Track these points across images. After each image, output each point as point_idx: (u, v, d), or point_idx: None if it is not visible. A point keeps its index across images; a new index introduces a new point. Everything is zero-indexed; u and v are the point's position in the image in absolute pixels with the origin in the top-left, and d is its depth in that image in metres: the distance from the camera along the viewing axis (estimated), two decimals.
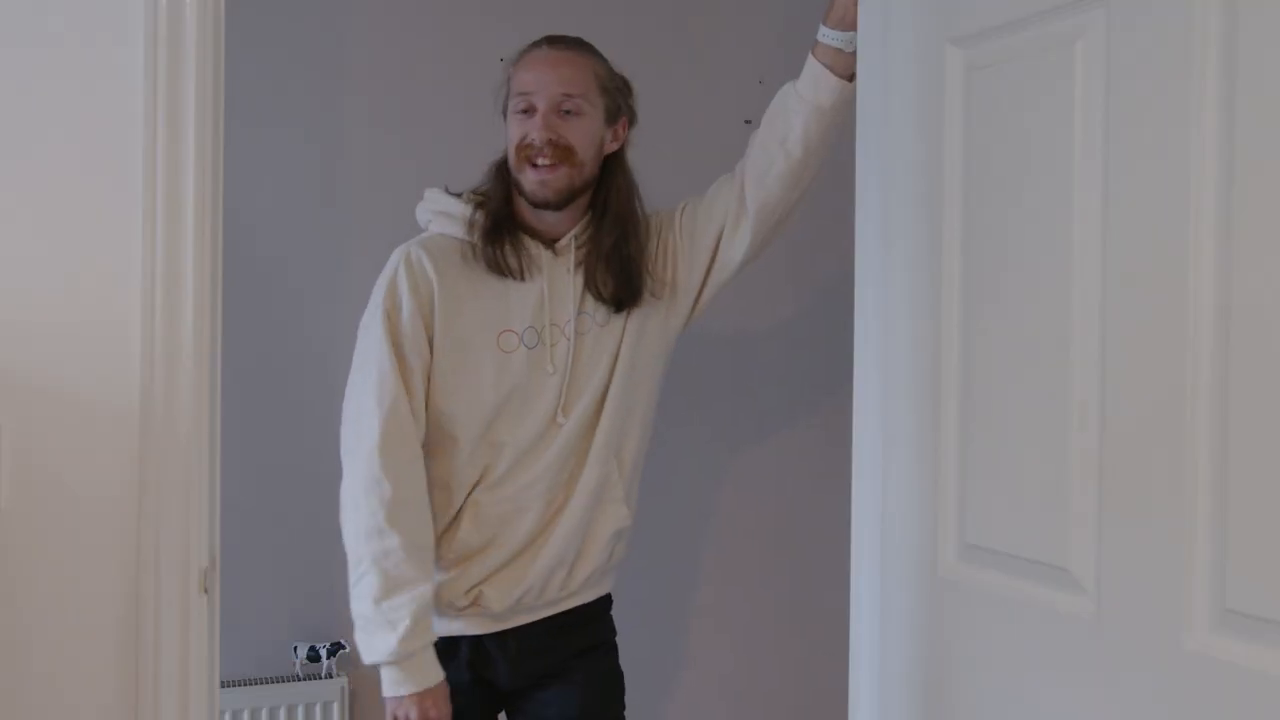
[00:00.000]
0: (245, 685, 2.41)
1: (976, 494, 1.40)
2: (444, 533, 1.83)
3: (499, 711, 1.97)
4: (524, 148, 1.78)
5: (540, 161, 1.77)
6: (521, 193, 1.81)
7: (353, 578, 1.77)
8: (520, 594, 1.83)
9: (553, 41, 1.84)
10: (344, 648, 2.46)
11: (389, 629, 1.72)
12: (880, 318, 1.57)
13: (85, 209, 1.38)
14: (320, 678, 2.44)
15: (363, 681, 2.50)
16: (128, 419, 1.39)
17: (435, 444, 1.82)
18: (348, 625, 2.47)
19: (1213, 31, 1.10)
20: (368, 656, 1.76)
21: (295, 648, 2.45)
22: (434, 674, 1.75)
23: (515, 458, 1.82)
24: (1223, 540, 1.09)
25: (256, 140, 2.40)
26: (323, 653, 2.44)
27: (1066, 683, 1.26)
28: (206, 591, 1.44)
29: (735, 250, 1.89)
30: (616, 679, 1.98)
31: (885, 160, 1.56)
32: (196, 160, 1.41)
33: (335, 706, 2.44)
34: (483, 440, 1.81)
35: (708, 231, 1.89)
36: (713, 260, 1.90)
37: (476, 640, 1.85)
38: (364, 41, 2.50)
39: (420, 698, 1.73)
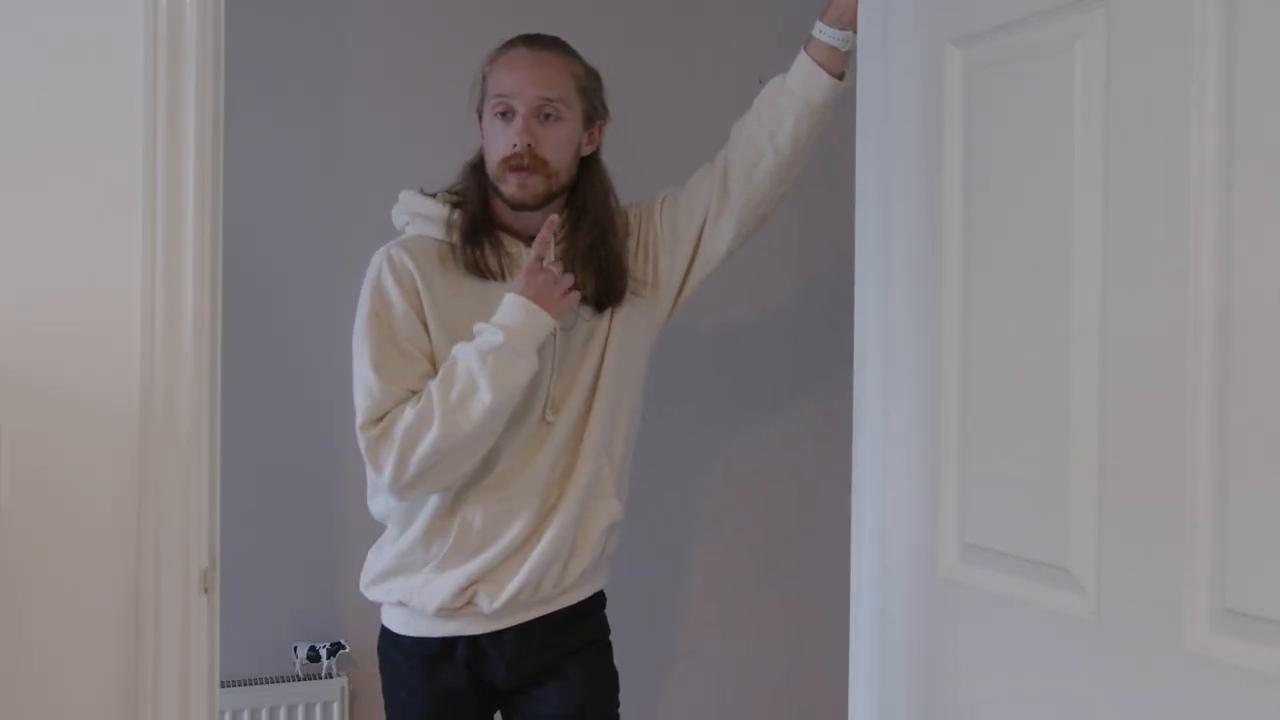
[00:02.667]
0: (245, 685, 2.41)
1: (976, 494, 1.40)
2: (437, 534, 1.82)
3: (494, 711, 1.97)
4: (508, 159, 1.77)
5: (518, 165, 1.77)
6: (499, 195, 1.81)
7: (450, 424, 1.72)
8: (514, 591, 1.83)
9: (530, 42, 1.82)
10: (344, 648, 2.46)
11: (491, 348, 1.71)
12: (880, 317, 1.57)
13: (85, 209, 1.38)
14: (320, 678, 2.45)
15: (363, 681, 2.51)
16: (128, 419, 1.39)
17: None
18: (348, 625, 2.50)
19: (1213, 31, 1.10)
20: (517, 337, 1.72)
21: (295, 648, 2.45)
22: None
23: (509, 459, 1.81)
24: (1223, 540, 1.09)
25: (256, 140, 2.40)
26: (323, 653, 2.44)
27: (1066, 683, 1.26)
28: (206, 591, 1.44)
29: (718, 243, 1.88)
30: (611, 677, 1.99)
31: (885, 160, 1.56)
32: (196, 160, 1.41)
33: (335, 706, 2.44)
34: None
35: (690, 225, 1.89)
36: (694, 253, 1.90)
37: (472, 640, 1.86)
38: (364, 41, 2.50)
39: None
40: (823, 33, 1.75)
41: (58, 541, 1.38)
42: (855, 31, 1.69)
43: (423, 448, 1.71)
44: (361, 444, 1.77)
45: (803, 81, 1.77)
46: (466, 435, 1.71)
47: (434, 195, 1.86)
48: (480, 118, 1.85)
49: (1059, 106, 1.27)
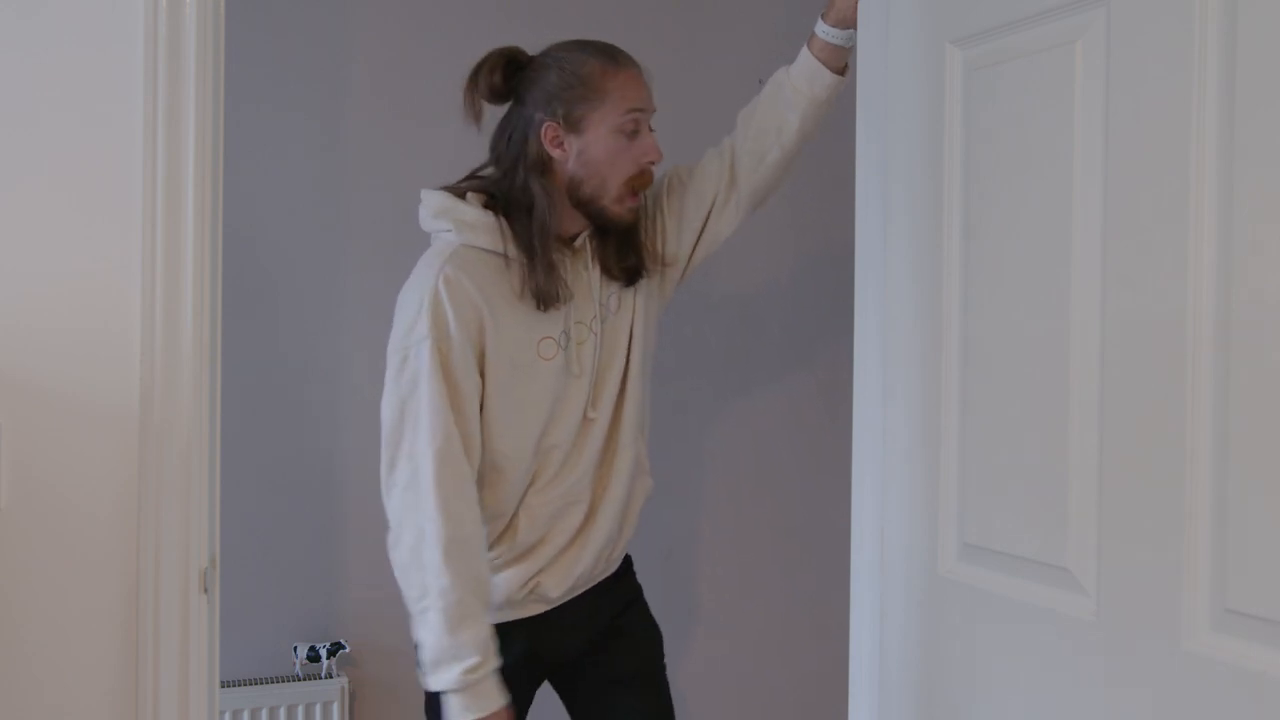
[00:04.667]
0: (245, 685, 2.41)
1: (976, 494, 1.40)
2: (500, 536, 1.84)
3: (540, 685, 1.99)
4: (636, 177, 1.76)
5: (645, 184, 1.78)
6: (599, 213, 1.77)
7: (413, 609, 1.74)
8: (575, 578, 1.87)
9: (625, 55, 1.81)
10: (344, 648, 2.46)
11: (455, 662, 1.70)
12: (880, 316, 1.57)
13: (85, 211, 1.38)
14: (320, 678, 2.45)
15: (363, 682, 2.51)
16: (127, 420, 1.39)
17: (490, 462, 1.80)
18: (348, 625, 2.50)
19: (1212, 31, 1.10)
20: (435, 685, 1.73)
21: (295, 648, 2.45)
22: (498, 699, 1.73)
23: (562, 459, 1.84)
24: (1223, 540, 1.09)
25: (257, 139, 2.40)
26: (323, 653, 2.44)
27: (1066, 683, 1.26)
28: (206, 591, 1.44)
29: (723, 226, 1.92)
30: (657, 628, 2.05)
31: (885, 159, 1.56)
32: (196, 161, 1.41)
33: (335, 706, 2.44)
34: (535, 447, 1.81)
35: (698, 207, 1.92)
36: (700, 235, 1.93)
37: (534, 620, 1.88)
38: (365, 42, 2.50)
39: None
40: (825, 33, 1.77)
41: (58, 541, 1.38)
42: (856, 29, 1.70)
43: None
44: (399, 486, 1.74)
45: (807, 80, 1.80)
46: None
47: (462, 195, 1.79)
48: (564, 126, 1.74)
49: (1059, 106, 1.27)
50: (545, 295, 1.74)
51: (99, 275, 1.38)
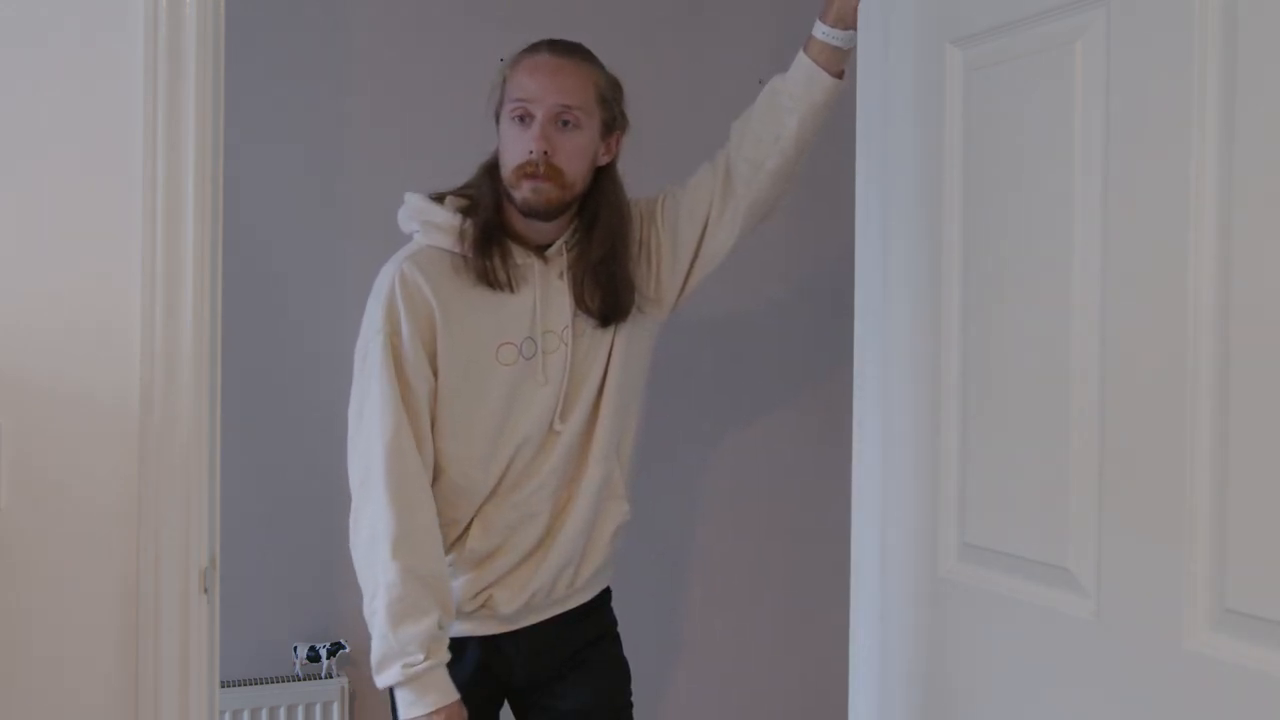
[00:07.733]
0: (245, 685, 2.41)
1: (976, 494, 1.40)
2: (454, 542, 1.83)
3: (499, 708, 1.97)
4: (523, 166, 1.75)
5: (533, 172, 1.75)
6: (512, 201, 1.78)
7: (366, 608, 1.77)
8: (529, 595, 1.84)
9: (554, 47, 1.80)
10: (344, 648, 2.46)
11: (400, 657, 1.72)
12: (880, 317, 1.57)
13: (85, 211, 1.38)
14: (320, 678, 2.45)
15: (363, 682, 2.50)
16: (128, 420, 1.39)
17: (444, 461, 1.81)
18: (348, 625, 2.50)
19: (1213, 31, 1.10)
20: (381, 681, 1.74)
21: (295, 648, 2.45)
22: (448, 692, 1.74)
23: (522, 467, 1.82)
24: (1223, 540, 1.09)
25: (256, 141, 2.40)
26: (323, 653, 2.44)
27: (1066, 683, 1.26)
28: (206, 591, 1.44)
29: (720, 243, 1.88)
30: (624, 667, 2.00)
31: (885, 160, 1.56)
32: (196, 161, 1.41)
33: (335, 706, 2.44)
34: (491, 454, 1.80)
35: (692, 226, 1.88)
36: (696, 254, 1.89)
37: (488, 640, 1.86)
38: (363, 43, 2.50)
39: (432, 715, 1.72)
40: (824, 34, 1.75)
41: (58, 541, 1.38)
42: (855, 30, 1.69)
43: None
44: (352, 478, 1.78)
45: (804, 84, 1.77)
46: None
47: (441, 199, 1.83)
48: (497, 120, 1.82)
49: (1059, 106, 1.27)
50: (481, 275, 1.76)
51: (99, 275, 1.38)
